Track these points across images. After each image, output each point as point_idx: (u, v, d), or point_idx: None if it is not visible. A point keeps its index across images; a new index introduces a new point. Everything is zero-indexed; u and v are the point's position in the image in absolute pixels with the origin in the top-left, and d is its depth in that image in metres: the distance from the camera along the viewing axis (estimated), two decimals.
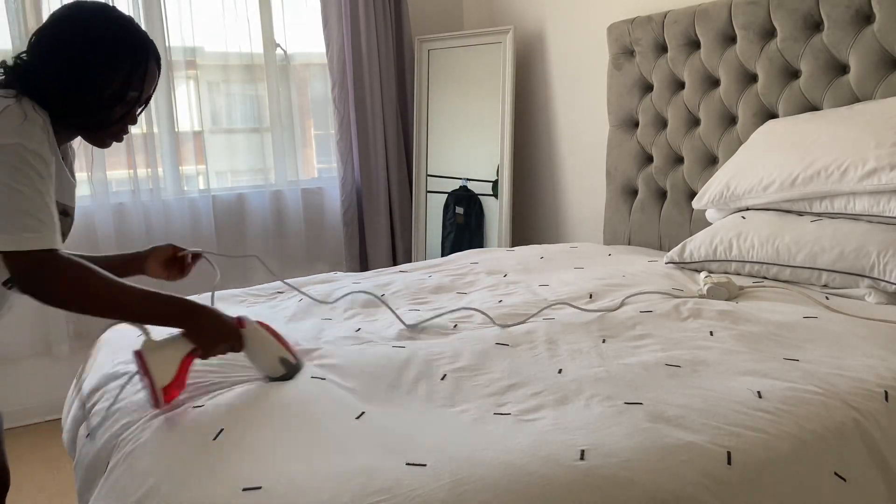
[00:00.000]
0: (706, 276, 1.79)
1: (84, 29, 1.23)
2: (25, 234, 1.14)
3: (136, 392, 1.31)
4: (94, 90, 1.24)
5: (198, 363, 1.30)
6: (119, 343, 1.65)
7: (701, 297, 1.72)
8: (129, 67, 1.26)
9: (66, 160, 1.37)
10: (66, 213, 1.33)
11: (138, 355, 1.20)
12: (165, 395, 1.21)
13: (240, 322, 1.28)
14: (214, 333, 1.25)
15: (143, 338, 1.24)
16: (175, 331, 1.24)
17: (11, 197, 1.13)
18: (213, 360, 1.32)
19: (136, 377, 1.33)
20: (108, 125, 1.28)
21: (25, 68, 1.23)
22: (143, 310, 1.19)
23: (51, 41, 1.23)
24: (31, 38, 1.25)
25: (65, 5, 1.26)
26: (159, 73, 1.33)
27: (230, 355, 1.31)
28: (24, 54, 1.25)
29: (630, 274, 1.97)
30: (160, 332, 1.26)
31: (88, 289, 1.16)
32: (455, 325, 1.60)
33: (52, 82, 1.22)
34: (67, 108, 1.24)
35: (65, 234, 1.33)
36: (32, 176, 1.15)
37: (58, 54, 1.22)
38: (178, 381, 1.23)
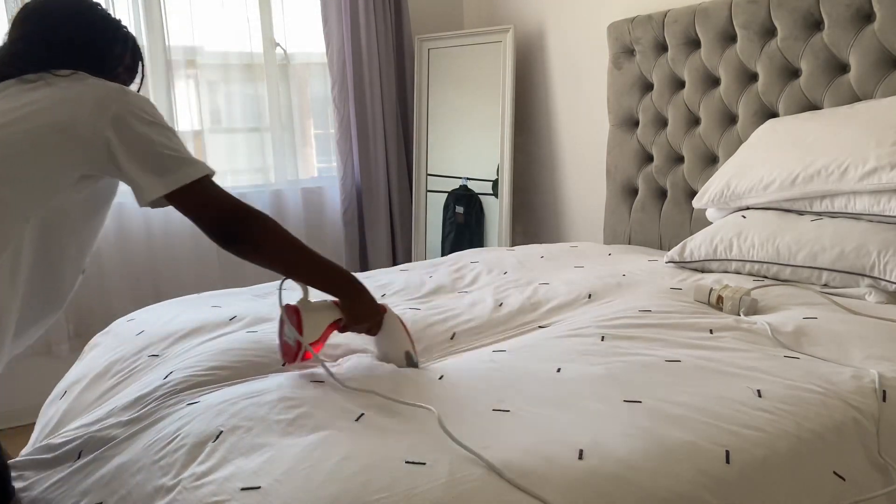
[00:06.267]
0: (721, 289, 1.65)
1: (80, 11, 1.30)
2: (195, 166, 1.22)
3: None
4: (114, 67, 1.32)
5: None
6: (110, 344, 1.66)
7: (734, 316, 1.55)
8: (126, 42, 1.36)
9: None
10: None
11: (295, 310, 1.26)
12: (306, 352, 1.27)
13: (383, 307, 1.35)
14: (363, 310, 1.32)
15: (299, 295, 1.30)
16: (324, 296, 1.31)
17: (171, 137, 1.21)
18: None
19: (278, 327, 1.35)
20: None
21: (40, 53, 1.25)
22: (314, 271, 1.27)
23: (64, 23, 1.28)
24: (22, 22, 1.28)
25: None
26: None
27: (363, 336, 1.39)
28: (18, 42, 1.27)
29: (630, 273, 1.96)
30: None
31: (285, 238, 1.23)
32: (453, 336, 1.59)
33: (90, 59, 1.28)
34: None
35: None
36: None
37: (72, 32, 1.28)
38: (320, 343, 1.30)
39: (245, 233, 1.19)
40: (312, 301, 1.30)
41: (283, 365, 1.34)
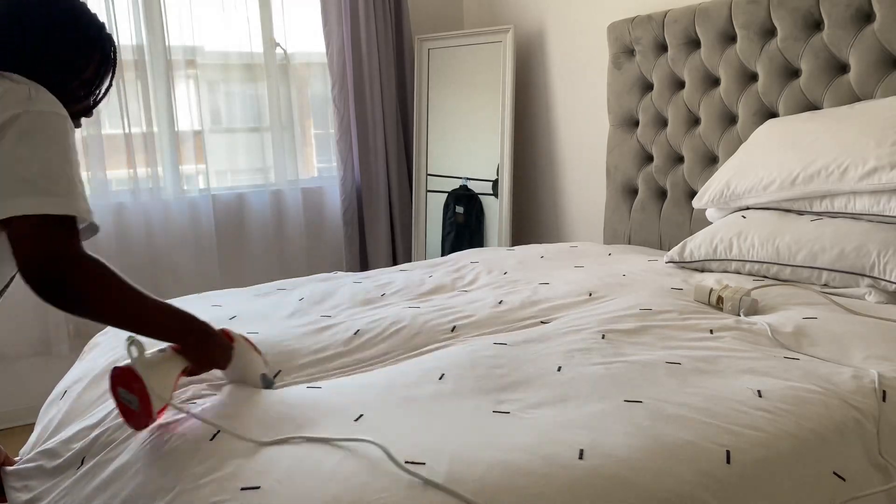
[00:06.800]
0: (721, 289, 1.65)
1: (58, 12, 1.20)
2: (47, 198, 1.05)
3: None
4: (74, 74, 1.23)
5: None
6: (110, 344, 1.65)
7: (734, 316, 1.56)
8: (101, 52, 1.25)
9: None
10: None
11: (131, 375, 1.09)
12: (160, 410, 1.13)
13: (227, 335, 1.24)
14: (212, 353, 1.20)
15: (130, 352, 1.12)
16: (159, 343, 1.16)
17: (44, 164, 1.06)
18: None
19: (110, 395, 1.18)
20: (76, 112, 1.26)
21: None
22: (152, 323, 1.11)
23: (37, 21, 1.18)
24: None
25: None
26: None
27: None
28: None
29: (630, 273, 1.96)
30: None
31: (112, 293, 1.06)
32: (454, 328, 1.59)
33: (43, 64, 1.18)
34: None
35: None
36: (68, 146, 1.10)
37: (47, 36, 1.18)
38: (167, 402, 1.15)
39: (61, 285, 1.02)
40: (148, 355, 1.13)
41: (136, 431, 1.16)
